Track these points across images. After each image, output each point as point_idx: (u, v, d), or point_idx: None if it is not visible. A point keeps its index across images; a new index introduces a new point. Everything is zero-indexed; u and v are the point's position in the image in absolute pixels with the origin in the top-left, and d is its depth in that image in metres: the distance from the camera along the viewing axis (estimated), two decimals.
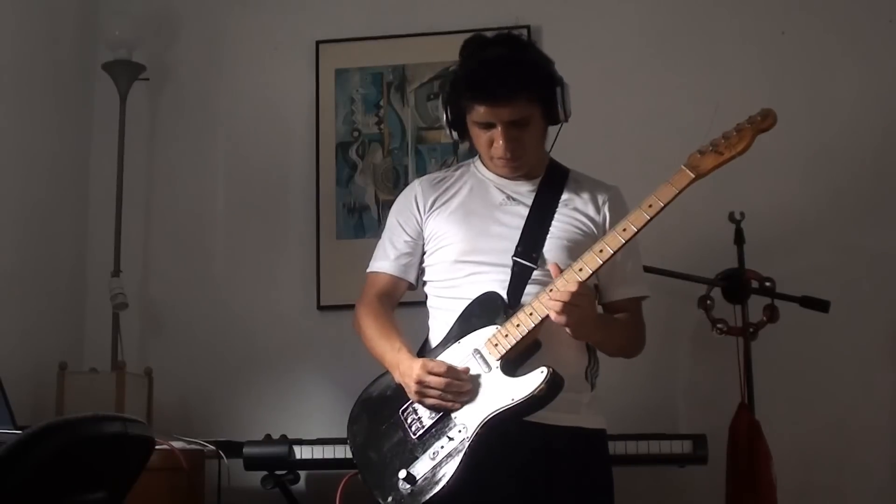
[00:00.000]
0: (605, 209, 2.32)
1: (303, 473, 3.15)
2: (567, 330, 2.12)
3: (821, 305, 3.09)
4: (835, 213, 3.43)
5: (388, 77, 3.73)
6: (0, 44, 3.33)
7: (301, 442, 3.01)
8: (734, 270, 3.18)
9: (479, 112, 2.21)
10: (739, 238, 3.19)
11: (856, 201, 3.43)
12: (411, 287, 2.43)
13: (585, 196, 2.33)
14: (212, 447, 3.10)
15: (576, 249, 2.23)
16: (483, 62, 2.22)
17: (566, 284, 2.10)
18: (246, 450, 3.02)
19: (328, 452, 2.97)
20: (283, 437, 3.07)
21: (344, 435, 2.99)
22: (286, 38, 3.81)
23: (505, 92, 2.17)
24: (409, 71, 3.71)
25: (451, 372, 2.13)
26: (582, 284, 2.10)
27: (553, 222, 2.28)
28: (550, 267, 2.15)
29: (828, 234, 3.43)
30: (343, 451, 2.95)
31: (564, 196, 2.32)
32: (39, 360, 3.36)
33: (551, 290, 2.11)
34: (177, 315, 3.72)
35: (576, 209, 2.31)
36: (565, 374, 2.13)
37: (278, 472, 3.03)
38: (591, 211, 2.32)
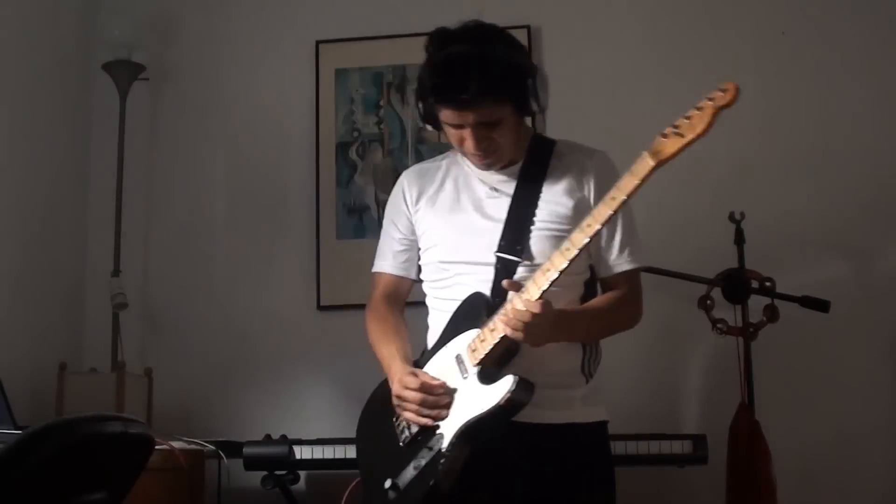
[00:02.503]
0: (591, 182, 2.22)
1: (303, 473, 3.15)
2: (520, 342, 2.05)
3: (821, 305, 3.09)
4: (835, 212, 3.43)
5: (388, 77, 3.73)
6: (0, 44, 3.33)
7: (301, 442, 3.01)
8: (734, 270, 3.18)
9: (445, 114, 2.14)
10: (739, 238, 3.19)
11: (856, 201, 3.43)
12: (417, 280, 2.38)
13: (568, 173, 2.23)
14: (212, 447, 3.10)
15: (562, 238, 2.11)
16: (444, 63, 2.11)
17: (534, 291, 2.01)
18: (246, 450, 3.02)
19: (328, 452, 2.97)
20: (283, 437, 3.07)
21: (343, 435, 3.01)
22: (286, 38, 3.81)
23: (468, 97, 2.07)
24: (409, 71, 3.70)
25: (424, 387, 2.10)
26: (544, 305, 2.00)
27: (537, 211, 2.19)
28: (504, 283, 2.07)
29: (828, 234, 3.43)
30: (343, 451, 2.95)
31: (547, 180, 2.22)
32: (39, 361, 3.36)
33: (523, 291, 2.03)
34: (177, 315, 3.72)
35: (559, 191, 2.21)
36: (556, 370, 2.10)
37: (278, 472, 3.03)
38: (573, 187, 2.21)
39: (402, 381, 2.13)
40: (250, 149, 3.79)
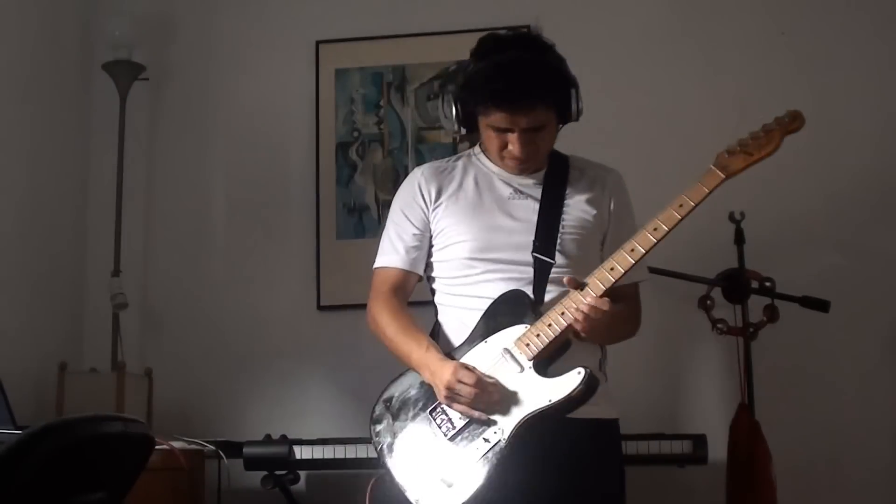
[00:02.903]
0: (612, 196, 2.34)
1: (303, 473, 3.15)
2: (582, 334, 2.15)
3: (821, 305, 3.09)
4: (835, 212, 3.43)
5: (388, 77, 3.73)
6: (0, 44, 3.34)
7: (301, 442, 3.02)
8: (734, 270, 3.18)
9: (497, 117, 2.20)
10: (739, 238, 3.19)
11: (855, 201, 3.43)
12: (420, 279, 2.39)
13: (589, 184, 2.34)
14: (212, 447, 3.10)
15: (586, 242, 2.27)
16: (502, 66, 2.18)
17: (597, 288, 2.12)
18: (246, 450, 3.02)
19: (328, 452, 2.97)
20: (283, 437, 3.07)
21: (344, 435, 3.00)
22: (286, 38, 3.81)
23: (526, 101, 2.16)
24: (409, 71, 3.71)
25: (480, 384, 2.12)
26: (611, 304, 2.12)
27: (563, 216, 2.28)
28: (566, 281, 2.14)
29: (827, 234, 3.43)
30: (343, 452, 2.95)
31: (569, 186, 2.32)
32: (39, 360, 3.37)
33: (583, 292, 2.12)
34: (177, 315, 3.72)
35: (582, 199, 2.31)
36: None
37: (278, 472, 3.03)
38: (595, 199, 2.32)
39: (457, 374, 2.13)
40: (250, 149, 3.79)
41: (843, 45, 3.52)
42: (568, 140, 2.37)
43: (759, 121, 2.25)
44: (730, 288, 3.19)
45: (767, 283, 3.16)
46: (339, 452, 2.95)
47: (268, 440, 3.07)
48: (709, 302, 3.18)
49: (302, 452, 2.99)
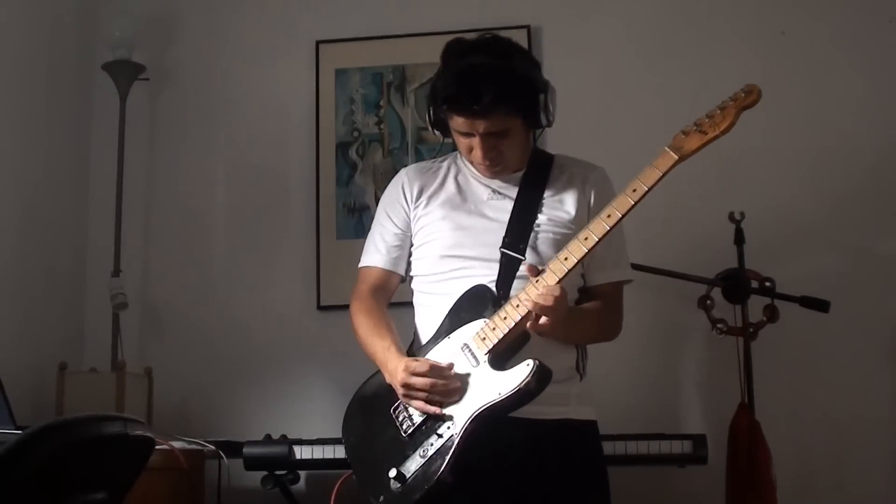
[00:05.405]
0: (591, 192, 2.31)
1: (303, 473, 3.15)
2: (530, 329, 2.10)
3: (821, 305, 3.09)
4: (835, 212, 3.43)
5: (388, 77, 3.73)
6: (0, 44, 3.34)
7: (301, 442, 3.02)
8: (734, 270, 3.18)
9: (457, 122, 2.22)
10: (739, 238, 3.19)
11: (855, 201, 3.43)
12: (402, 280, 2.41)
13: (570, 183, 2.32)
14: (212, 447, 3.10)
15: (563, 241, 2.21)
16: (459, 73, 2.19)
17: (551, 278, 2.09)
18: (246, 450, 3.02)
19: (328, 452, 2.97)
20: (283, 437, 3.07)
21: None
22: (286, 38, 3.81)
23: (480, 106, 2.16)
24: (409, 71, 3.71)
25: (434, 371, 2.11)
26: (563, 290, 2.07)
27: (539, 215, 2.27)
28: (526, 268, 2.13)
29: (827, 234, 3.43)
30: (343, 452, 2.94)
31: (549, 187, 2.31)
32: (39, 360, 3.37)
33: (538, 282, 2.10)
34: (177, 315, 3.72)
35: (561, 200, 2.30)
36: (555, 367, 2.12)
37: (278, 472, 3.03)
38: (576, 197, 2.30)
39: (408, 368, 2.13)
40: (250, 149, 3.79)
41: (842, 45, 3.52)
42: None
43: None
44: (730, 288, 3.19)
45: (767, 283, 3.16)
46: (339, 452, 2.95)
47: (268, 440, 3.07)
48: (709, 302, 3.18)
49: (302, 452, 2.99)
